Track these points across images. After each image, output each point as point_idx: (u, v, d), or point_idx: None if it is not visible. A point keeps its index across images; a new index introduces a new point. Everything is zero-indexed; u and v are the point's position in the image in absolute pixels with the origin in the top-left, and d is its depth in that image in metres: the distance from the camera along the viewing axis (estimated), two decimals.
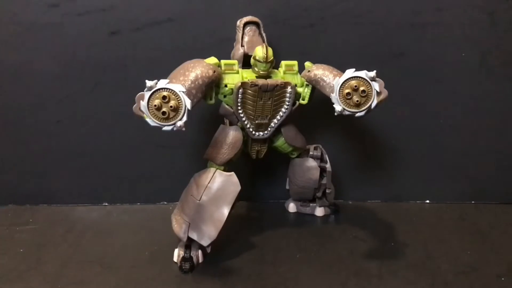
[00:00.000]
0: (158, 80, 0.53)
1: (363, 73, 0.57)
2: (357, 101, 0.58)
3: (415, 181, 0.82)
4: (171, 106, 0.53)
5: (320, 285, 0.59)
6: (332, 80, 0.61)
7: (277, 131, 0.68)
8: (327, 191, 0.75)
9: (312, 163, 0.72)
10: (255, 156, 0.71)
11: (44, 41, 0.73)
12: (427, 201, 0.83)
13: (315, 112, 0.72)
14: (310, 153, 0.73)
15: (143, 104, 0.53)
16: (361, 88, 0.57)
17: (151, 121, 0.54)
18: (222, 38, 0.72)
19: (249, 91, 0.63)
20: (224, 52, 0.67)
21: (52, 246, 0.67)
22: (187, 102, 0.54)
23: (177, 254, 0.63)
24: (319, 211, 0.77)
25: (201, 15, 0.73)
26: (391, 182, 0.82)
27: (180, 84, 0.55)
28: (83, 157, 0.78)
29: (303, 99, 0.67)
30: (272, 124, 0.67)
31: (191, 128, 0.71)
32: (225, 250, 0.66)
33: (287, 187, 0.77)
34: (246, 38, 0.67)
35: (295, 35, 0.74)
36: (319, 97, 0.65)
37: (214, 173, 0.63)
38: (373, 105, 0.58)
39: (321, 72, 0.63)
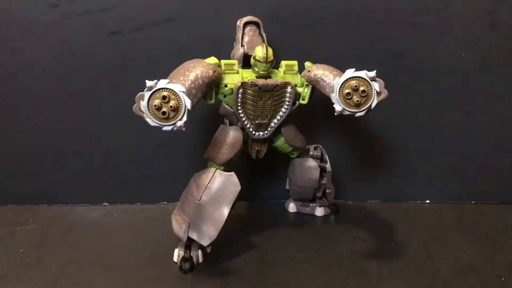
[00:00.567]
0: (158, 80, 0.53)
1: (363, 73, 0.57)
2: (357, 101, 0.58)
3: (415, 181, 0.82)
4: (171, 106, 0.53)
5: (320, 285, 0.59)
6: (332, 80, 0.61)
7: (277, 131, 0.68)
8: (327, 191, 0.75)
9: (312, 163, 0.72)
10: (255, 156, 0.71)
11: (44, 41, 0.73)
12: (427, 201, 0.83)
13: (315, 112, 0.72)
14: (310, 153, 0.73)
15: (143, 104, 0.53)
16: (361, 88, 0.57)
17: (151, 121, 0.54)
18: (222, 38, 0.72)
19: (249, 91, 0.63)
20: (224, 52, 0.67)
21: (52, 246, 0.67)
22: (187, 102, 0.54)
23: (177, 254, 0.63)
24: (319, 211, 0.77)
25: (201, 15, 0.73)
26: (391, 182, 0.82)
27: (180, 84, 0.55)
28: (83, 157, 0.78)
29: (303, 99, 0.67)
30: (272, 124, 0.67)
31: (191, 128, 0.71)
32: (225, 250, 0.66)
33: (287, 187, 0.77)
34: (246, 38, 0.67)
35: (295, 35, 0.74)
36: (319, 97, 0.65)
37: (214, 173, 0.63)
38: (373, 105, 0.58)
39: (321, 72, 0.63)
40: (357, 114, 0.59)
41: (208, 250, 0.63)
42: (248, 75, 0.64)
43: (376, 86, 0.57)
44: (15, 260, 0.64)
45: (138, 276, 0.60)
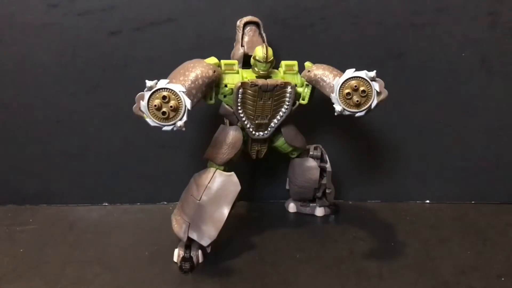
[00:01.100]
0: (158, 80, 0.53)
1: (363, 73, 0.57)
2: (357, 101, 0.58)
3: (415, 181, 0.82)
4: (171, 106, 0.53)
5: (320, 285, 0.59)
6: (332, 80, 0.61)
7: (277, 131, 0.68)
8: (327, 191, 0.75)
9: (312, 163, 0.72)
10: (255, 156, 0.71)
11: (44, 41, 0.73)
12: (427, 201, 0.83)
13: (315, 112, 0.72)
14: (310, 153, 0.73)
15: (143, 104, 0.53)
16: (361, 88, 0.57)
17: (151, 121, 0.54)
18: (222, 38, 0.72)
19: (249, 91, 0.63)
20: (224, 52, 0.67)
21: (52, 246, 0.67)
22: (187, 102, 0.54)
23: (177, 254, 0.63)
24: (319, 211, 0.77)
25: (201, 15, 0.73)
26: (391, 182, 0.82)
27: (180, 84, 0.55)
28: (83, 157, 0.78)
29: (303, 99, 0.67)
30: (272, 124, 0.67)
31: (191, 128, 0.71)
32: (225, 250, 0.66)
33: (287, 187, 0.77)
34: (246, 38, 0.68)
35: (295, 35, 0.74)
36: (319, 97, 0.65)
37: (214, 173, 0.63)
38: (373, 105, 0.58)
39: (321, 72, 0.63)
40: (357, 114, 0.59)
41: (208, 250, 0.63)
42: (248, 75, 0.64)
43: (376, 86, 0.57)
44: (15, 260, 0.64)
45: (138, 276, 0.60)
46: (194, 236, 0.61)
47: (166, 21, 0.73)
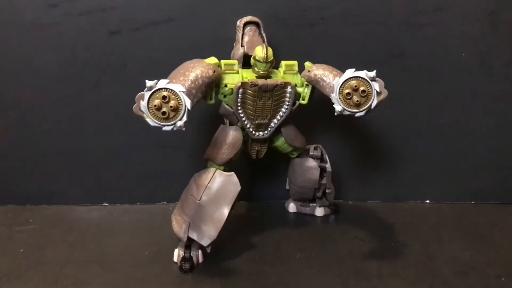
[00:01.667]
0: (158, 80, 0.53)
1: (363, 73, 0.57)
2: (357, 101, 0.58)
3: (415, 181, 0.82)
4: (171, 106, 0.53)
5: (320, 285, 0.59)
6: (332, 80, 0.61)
7: (277, 131, 0.68)
8: (327, 191, 0.75)
9: (312, 163, 0.72)
10: (255, 156, 0.71)
11: (44, 41, 0.73)
12: (427, 201, 0.83)
13: (315, 112, 0.72)
14: (310, 153, 0.73)
15: (143, 104, 0.53)
16: (361, 88, 0.57)
17: (151, 121, 0.54)
18: (222, 38, 0.72)
19: (249, 91, 0.63)
20: (224, 52, 0.67)
21: (52, 246, 0.67)
22: (187, 102, 0.54)
23: (177, 254, 0.63)
24: (319, 211, 0.77)
25: (201, 15, 0.73)
26: (391, 182, 0.82)
27: (180, 84, 0.55)
28: (83, 157, 0.78)
29: (303, 99, 0.67)
30: (272, 124, 0.67)
31: (191, 128, 0.71)
32: (225, 250, 0.66)
33: (287, 187, 0.77)
34: (246, 38, 0.68)
35: (295, 35, 0.74)
36: (319, 97, 0.65)
37: (214, 173, 0.63)
38: (373, 105, 0.58)
39: (321, 72, 0.63)
40: (357, 114, 0.59)
41: (208, 250, 0.63)
42: (248, 75, 0.64)
43: (376, 86, 0.57)
44: (15, 260, 0.64)
45: (138, 276, 0.60)
46: (194, 236, 0.61)
47: (166, 21, 0.73)
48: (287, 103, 0.65)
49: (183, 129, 0.54)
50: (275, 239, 0.69)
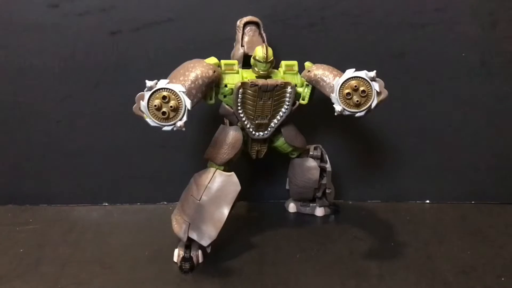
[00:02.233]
0: (158, 80, 0.53)
1: (363, 73, 0.57)
2: (357, 101, 0.58)
3: (415, 181, 0.82)
4: (171, 106, 0.53)
5: (320, 285, 0.59)
6: (332, 80, 0.61)
7: (277, 131, 0.68)
8: (327, 191, 0.75)
9: (312, 163, 0.72)
10: (255, 156, 0.71)
11: (44, 41, 0.73)
12: (427, 201, 0.83)
13: (315, 112, 0.72)
14: (310, 153, 0.73)
15: (143, 104, 0.53)
16: (361, 88, 0.57)
17: (151, 121, 0.54)
18: (222, 38, 0.72)
19: (249, 91, 0.63)
20: (224, 52, 0.67)
21: (52, 246, 0.67)
22: (187, 102, 0.54)
23: (177, 254, 0.63)
24: (319, 211, 0.77)
25: (201, 15, 0.73)
26: (391, 182, 0.82)
27: (180, 84, 0.55)
28: (83, 157, 0.78)
29: (303, 99, 0.67)
30: (272, 124, 0.67)
31: (191, 128, 0.71)
32: (225, 250, 0.66)
33: (287, 187, 0.77)
34: (246, 38, 0.67)
35: (295, 35, 0.74)
36: (319, 97, 0.65)
37: (214, 173, 0.63)
38: (373, 105, 0.58)
39: (321, 72, 0.63)
40: (357, 114, 0.59)
41: (208, 250, 0.63)
42: (248, 75, 0.64)
43: (376, 86, 0.57)
44: (15, 260, 0.64)
45: (138, 276, 0.60)
46: (194, 236, 0.61)
47: (166, 21, 0.73)
48: (287, 103, 0.65)
49: (183, 129, 0.54)
50: (275, 239, 0.69)
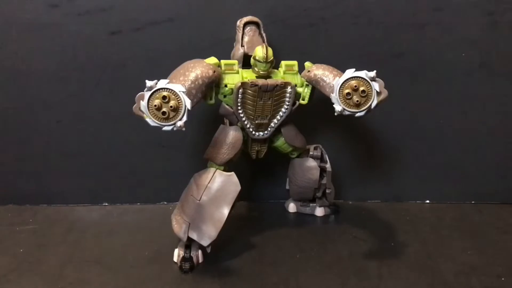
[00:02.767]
0: (158, 80, 0.53)
1: (363, 73, 0.57)
2: (357, 101, 0.58)
3: (415, 181, 0.82)
4: (171, 106, 0.53)
5: (320, 285, 0.59)
6: (332, 80, 0.61)
7: (277, 131, 0.68)
8: (327, 191, 0.75)
9: (312, 163, 0.72)
10: (255, 156, 0.71)
11: (44, 41, 0.73)
12: (427, 201, 0.83)
13: (315, 112, 0.72)
14: (310, 153, 0.73)
15: (143, 104, 0.53)
16: (361, 88, 0.57)
17: (151, 121, 0.54)
18: (222, 38, 0.72)
19: (249, 91, 0.63)
20: (224, 52, 0.67)
21: (52, 246, 0.67)
22: (187, 102, 0.54)
23: (177, 254, 0.63)
24: (319, 211, 0.77)
25: (201, 15, 0.73)
26: (391, 182, 0.82)
27: (180, 84, 0.55)
28: (83, 157, 0.78)
29: (303, 99, 0.67)
30: (272, 124, 0.67)
31: (191, 128, 0.71)
32: (225, 250, 0.66)
33: (287, 187, 0.77)
34: (246, 38, 0.67)
35: (295, 35, 0.74)
36: (319, 97, 0.65)
37: (214, 173, 0.63)
38: (373, 105, 0.58)
39: (321, 72, 0.63)
40: (357, 114, 0.59)
41: (208, 250, 0.63)
42: (248, 75, 0.64)
43: (376, 86, 0.57)
44: (15, 260, 0.64)
45: (138, 276, 0.60)
46: (194, 236, 0.61)
47: (166, 21, 0.73)
48: (287, 103, 0.65)
49: (183, 129, 0.54)
50: (275, 239, 0.69)
